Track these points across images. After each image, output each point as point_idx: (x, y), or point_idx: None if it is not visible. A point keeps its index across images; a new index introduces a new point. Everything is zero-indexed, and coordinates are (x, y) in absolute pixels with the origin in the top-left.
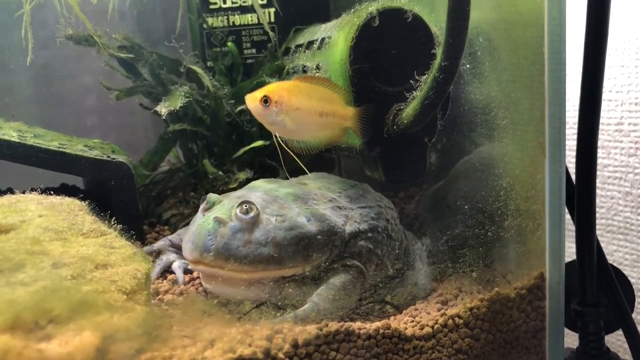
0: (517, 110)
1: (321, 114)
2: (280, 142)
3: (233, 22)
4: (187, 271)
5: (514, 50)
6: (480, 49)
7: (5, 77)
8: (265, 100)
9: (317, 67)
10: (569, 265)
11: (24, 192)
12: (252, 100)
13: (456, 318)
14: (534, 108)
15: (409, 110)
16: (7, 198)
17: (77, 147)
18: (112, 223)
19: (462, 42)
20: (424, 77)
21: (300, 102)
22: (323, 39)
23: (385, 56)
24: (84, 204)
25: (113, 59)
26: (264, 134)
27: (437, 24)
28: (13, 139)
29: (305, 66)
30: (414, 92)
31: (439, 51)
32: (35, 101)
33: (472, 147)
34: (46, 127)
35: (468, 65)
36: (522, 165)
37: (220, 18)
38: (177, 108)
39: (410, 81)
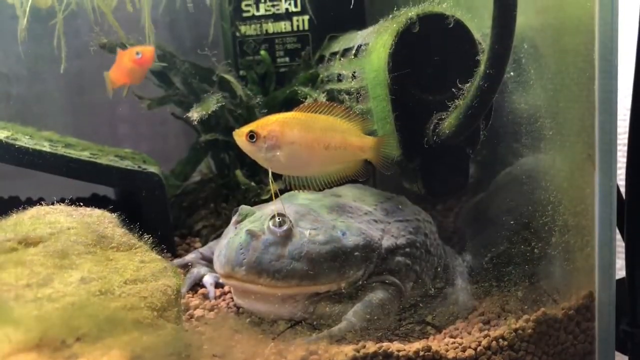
0: (564, 120)
1: (327, 147)
2: (272, 180)
3: (266, 30)
4: (218, 285)
5: (561, 57)
6: (525, 56)
7: (39, 86)
8: (252, 135)
9: (353, 75)
10: (618, 283)
11: (53, 204)
12: (239, 136)
13: (500, 340)
14: (583, 118)
15: (451, 119)
16: (37, 209)
17: (108, 157)
18: (142, 236)
19: (508, 48)
20: (467, 85)
21: (297, 135)
22: (360, 46)
23: (425, 63)
24: (114, 215)
25: None
26: None
27: (480, 30)
28: (44, 149)
29: (340, 74)
30: (456, 101)
31: (483, 58)
32: (67, 110)
33: (515, 159)
34: (78, 137)
35: (512, 73)
36: (571, 178)
37: (253, 26)
38: (209, 113)
39: (452, 89)
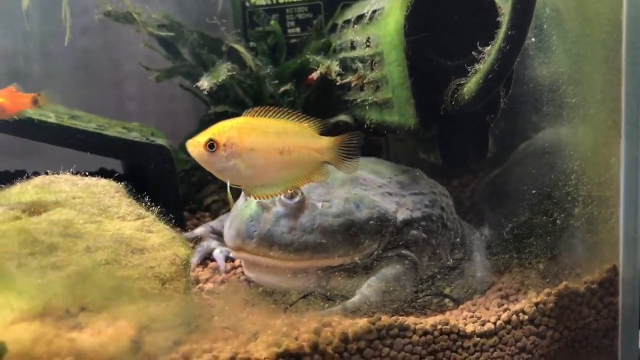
0: (589, 86)
1: (282, 151)
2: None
3: (277, 0)
4: (228, 259)
5: (585, 21)
6: (547, 20)
7: (47, 63)
8: (211, 145)
9: (368, 41)
10: None
11: (58, 173)
12: (195, 147)
13: (520, 314)
14: (609, 84)
15: (471, 85)
16: (41, 179)
17: (115, 129)
18: (150, 206)
19: (531, 7)
20: (488, 48)
21: (255, 141)
22: (375, 11)
23: (443, 26)
24: (121, 185)
25: (153, 39)
26: None
27: None
28: (50, 120)
29: (353, 42)
30: (476, 65)
31: (504, 19)
32: (75, 87)
33: (537, 129)
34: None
35: (533, 39)
36: (595, 147)
37: None
38: (220, 82)
39: (472, 53)
